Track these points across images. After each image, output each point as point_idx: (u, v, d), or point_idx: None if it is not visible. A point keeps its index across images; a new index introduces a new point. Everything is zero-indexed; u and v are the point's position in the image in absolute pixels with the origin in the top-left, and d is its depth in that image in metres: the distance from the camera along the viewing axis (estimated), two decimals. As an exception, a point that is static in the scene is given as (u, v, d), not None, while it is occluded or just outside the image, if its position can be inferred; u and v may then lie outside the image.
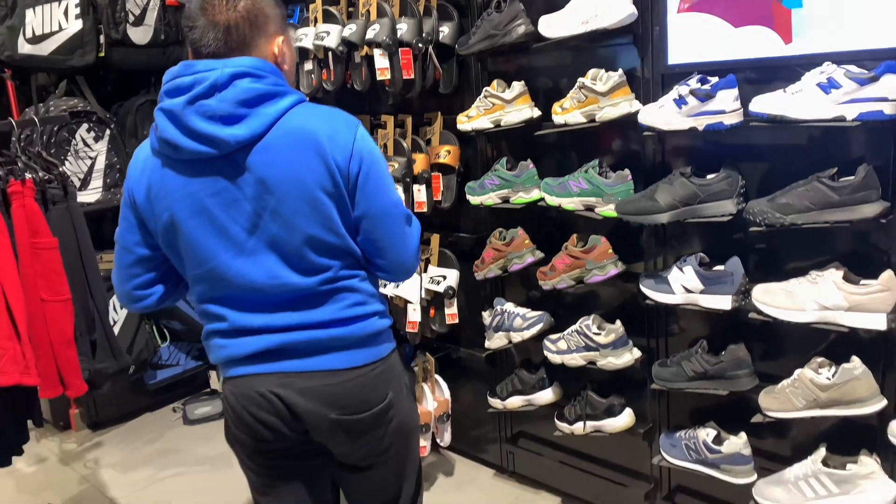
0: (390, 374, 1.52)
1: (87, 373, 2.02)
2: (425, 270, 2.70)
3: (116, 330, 2.74)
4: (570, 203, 2.19)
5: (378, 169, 1.42)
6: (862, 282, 1.74)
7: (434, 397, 2.73)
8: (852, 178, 1.70)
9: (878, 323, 1.69)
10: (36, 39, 2.87)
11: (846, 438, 1.88)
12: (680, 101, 1.88)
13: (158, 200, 1.38)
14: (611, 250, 2.17)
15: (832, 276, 1.75)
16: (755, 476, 1.98)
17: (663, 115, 1.93)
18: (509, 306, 2.53)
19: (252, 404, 1.44)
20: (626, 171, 2.09)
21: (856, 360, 1.75)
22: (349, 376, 1.44)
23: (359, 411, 1.46)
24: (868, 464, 1.76)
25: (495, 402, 2.62)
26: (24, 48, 2.87)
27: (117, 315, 2.96)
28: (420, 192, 2.57)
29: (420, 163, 2.55)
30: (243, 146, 1.34)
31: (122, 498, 2.84)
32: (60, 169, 2.04)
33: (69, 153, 2.83)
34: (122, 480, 2.98)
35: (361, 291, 1.47)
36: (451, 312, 2.68)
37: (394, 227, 1.45)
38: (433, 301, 2.69)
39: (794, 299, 1.79)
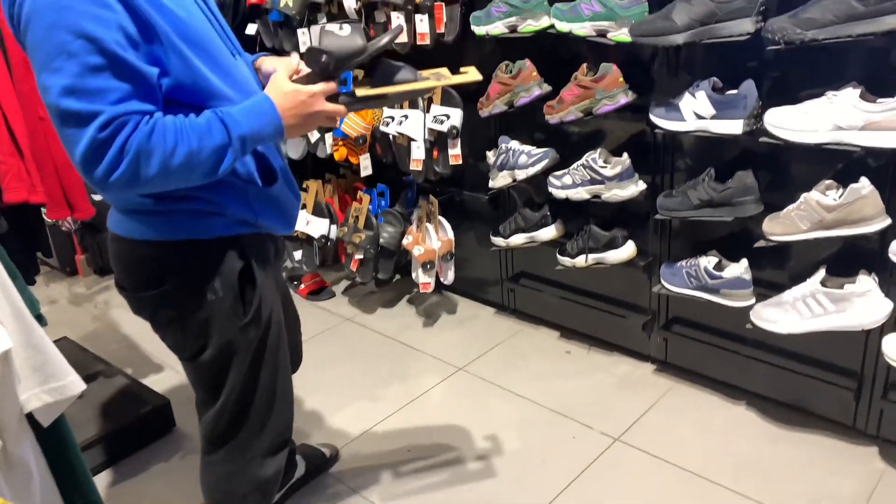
0: (172, 270, 1.31)
1: (92, 200, 2.02)
2: (428, 110, 2.64)
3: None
4: (581, 29, 2.11)
5: (33, 34, 1.07)
6: (878, 100, 1.70)
7: (437, 237, 2.76)
8: (881, -13, 1.62)
9: (892, 141, 1.67)
10: None
11: (844, 262, 1.92)
12: None
13: None
14: (622, 79, 2.11)
15: (848, 96, 1.71)
16: (753, 300, 2.04)
17: (685, -76, 1.82)
18: (514, 144, 2.50)
19: None
20: (642, -8, 2.00)
21: (864, 180, 1.74)
22: (117, 242, 1.33)
23: (124, 286, 1.37)
24: (865, 282, 1.81)
25: (498, 241, 2.65)
26: None
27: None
28: (422, 23, 2.47)
29: (423, -10, 2.42)
30: None
31: (136, 335, 2.93)
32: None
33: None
34: (134, 319, 3.05)
35: None
36: (455, 153, 2.65)
37: (51, 115, 1.11)
38: (437, 142, 2.66)
39: (807, 120, 1.76)
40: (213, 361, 1.40)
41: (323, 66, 1.21)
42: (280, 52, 2.87)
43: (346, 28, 1.25)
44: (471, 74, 1.50)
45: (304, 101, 1.23)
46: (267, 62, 1.46)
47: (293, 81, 1.24)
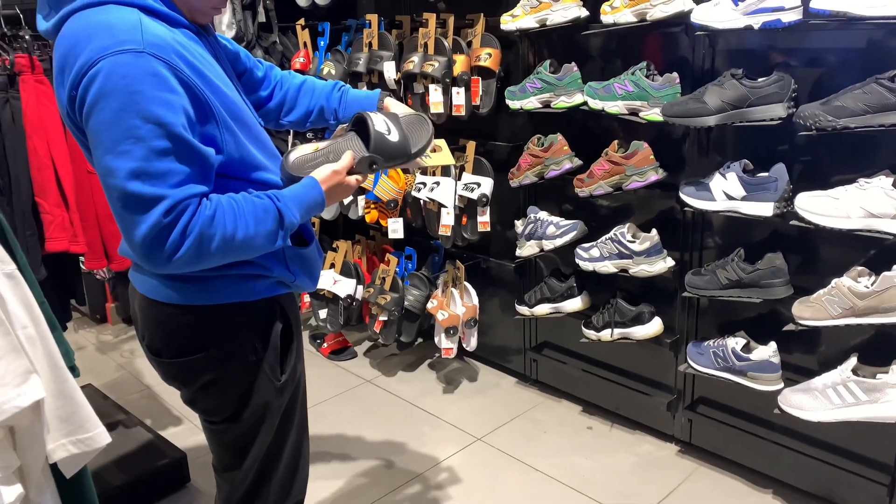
0: (215, 334, 1.30)
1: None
2: (460, 178, 2.70)
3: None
4: (613, 107, 2.16)
5: (99, 116, 1.06)
6: (911, 190, 1.70)
7: (462, 302, 2.76)
8: (913, 80, 1.64)
9: (925, 231, 1.66)
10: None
11: (877, 351, 1.88)
12: (737, -2, 1.82)
13: None
14: (652, 156, 2.14)
15: (881, 183, 1.71)
16: (782, 384, 1.99)
17: (718, 13, 1.87)
18: (543, 214, 2.52)
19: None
20: (675, 74, 2.04)
21: (897, 269, 1.73)
22: (154, 308, 1.29)
23: (160, 353, 1.33)
24: (899, 373, 1.77)
25: (523, 310, 2.64)
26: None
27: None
28: (459, 96, 2.54)
29: (460, 64, 2.51)
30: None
31: (157, 385, 2.95)
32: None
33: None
34: (157, 369, 3.09)
35: None
36: (484, 221, 2.68)
37: (110, 198, 1.11)
38: (466, 209, 2.70)
39: (839, 206, 1.76)
40: (246, 424, 1.38)
41: (371, 170, 1.36)
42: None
43: (395, 133, 1.35)
44: (444, 155, 1.56)
45: (347, 187, 1.34)
46: (395, 108, 1.51)
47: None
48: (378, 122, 1.34)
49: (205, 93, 1.15)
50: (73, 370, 1.09)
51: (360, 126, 1.38)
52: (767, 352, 2.00)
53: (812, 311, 1.86)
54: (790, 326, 1.90)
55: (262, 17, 3.14)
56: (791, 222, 1.86)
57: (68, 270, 2.15)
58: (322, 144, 1.38)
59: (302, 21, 3.02)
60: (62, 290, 2.20)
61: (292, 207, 1.23)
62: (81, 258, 2.04)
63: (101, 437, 1.10)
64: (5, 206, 1.83)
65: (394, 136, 1.34)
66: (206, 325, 1.28)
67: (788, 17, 1.76)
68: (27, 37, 1.87)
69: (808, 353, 2.08)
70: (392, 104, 1.53)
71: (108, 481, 2.15)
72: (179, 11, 1.20)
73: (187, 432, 2.58)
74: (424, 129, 1.43)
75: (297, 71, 2.99)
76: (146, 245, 1.08)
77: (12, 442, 1.01)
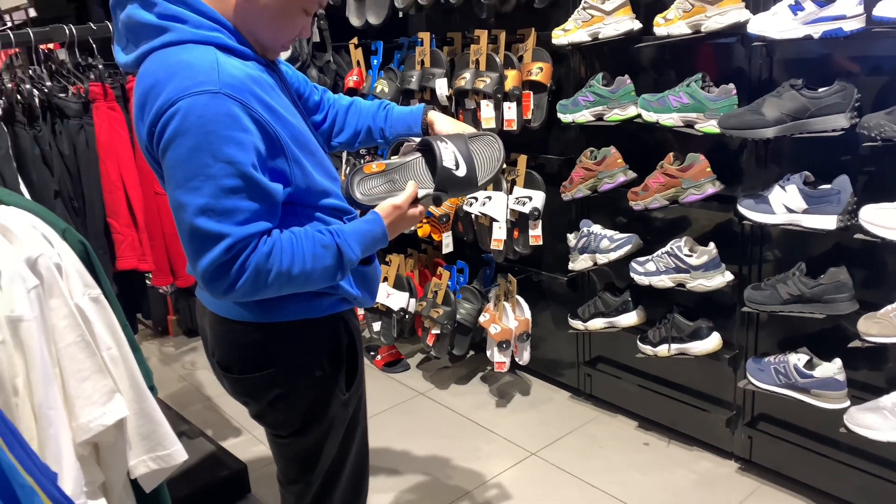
0: (283, 350, 1.34)
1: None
2: (511, 191, 2.71)
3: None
4: (668, 119, 2.14)
5: (174, 153, 1.11)
6: (985, 202, 1.64)
7: (514, 316, 2.77)
8: (985, 89, 1.59)
9: None
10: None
11: (950, 368, 1.82)
12: (795, 7, 1.79)
13: None
14: (709, 168, 2.11)
15: (952, 195, 1.66)
16: (848, 402, 1.94)
17: (776, 22, 1.84)
18: (596, 228, 2.51)
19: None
20: (731, 86, 2.02)
21: (971, 284, 1.67)
22: (225, 325, 1.34)
23: (230, 369, 1.38)
24: (974, 392, 1.70)
25: (576, 324, 2.63)
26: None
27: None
28: (510, 110, 2.56)
29: (512, 79, 2.52)
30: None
31: (218, 397, 3.03)
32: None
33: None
34: (217, 381, 3.17)
35: None
36: (536, 234, 2.69)
37: (180, 230, 1.17)
38: (518, 222, 2.71)
39: (907, 219, 1.71)
40: (312, 437, 1.42)
41: (437, 205, 1.37)
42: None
43: (462, 168, 1.33)
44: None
45: (411, 219, 1.35)
46: (439, 122, 1.52)
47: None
48: (447, 157, 1.32)
49: (275, 129, 1.19)
50: (153, 390, 1.14)
51: (428, 151, 1.38)
52: (832, 368, 1.95)
53: (879, 328, 1.80)
54: (856, 343, 1.85)
55: (316, 37, 3.21)
56: (855, 236, 1.81)
57: (135, 286, 2.24)
58: (389, 162, 1.39)
59: (355, 40, 3.08)
60: (130, 305, 2.29)
61: (352, 244, 1.26)
62: (148, 275, 2.12)
63: (178, 454, 1.14)
64: (80, 226, 1.93)
65: (461, 171, 1.32)
66: (275, 342, 1.33)
67: (850, 26, 1.73)
68: (100, 66, 1.96)
69: (876, 370, 2.01)
70: (436, 118, 1.54)
71: (171, 492, 2.21)
72: (251, 47, 1.26)
73: (248, 443, 2.64)
74: (493, 156, 1.39)
75: (350, 89, 3.07)
76: (206, 276, 1.15)
77: (97, 458, 1.07)
